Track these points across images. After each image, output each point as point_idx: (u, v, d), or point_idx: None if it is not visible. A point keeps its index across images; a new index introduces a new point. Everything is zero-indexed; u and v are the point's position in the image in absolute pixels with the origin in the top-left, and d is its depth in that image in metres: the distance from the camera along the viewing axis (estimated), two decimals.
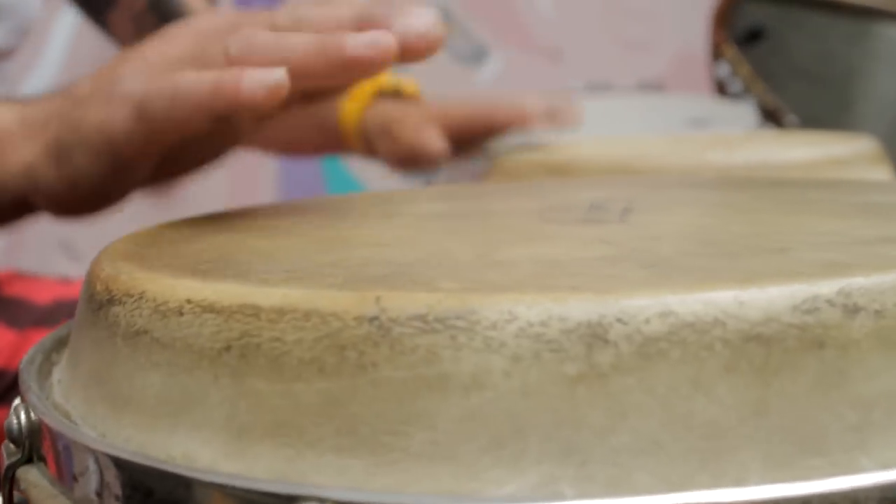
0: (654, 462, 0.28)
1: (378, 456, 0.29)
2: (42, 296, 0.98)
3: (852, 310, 0.29)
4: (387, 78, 1.12)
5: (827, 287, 0.29)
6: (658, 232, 0.41)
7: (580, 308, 0.28)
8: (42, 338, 0.46)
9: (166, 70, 0.56)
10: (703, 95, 1.97)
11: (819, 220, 0.42)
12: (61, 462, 0.36)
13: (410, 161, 1.07)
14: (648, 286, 0.30)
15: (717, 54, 1.92)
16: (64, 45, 2.16)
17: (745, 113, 1.54)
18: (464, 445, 0.28)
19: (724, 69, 1.91)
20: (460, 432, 0.28)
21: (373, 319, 0.29)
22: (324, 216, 0.50)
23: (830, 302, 0.29)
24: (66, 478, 0.35)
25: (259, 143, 1.17)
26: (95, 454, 0.33)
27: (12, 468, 0.38)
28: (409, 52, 0.49)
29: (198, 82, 0.51)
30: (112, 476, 0.32)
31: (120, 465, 0.32)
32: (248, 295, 0.32)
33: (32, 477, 0.37)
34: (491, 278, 0.32)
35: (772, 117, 1.80)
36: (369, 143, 1.10)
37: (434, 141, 1.03)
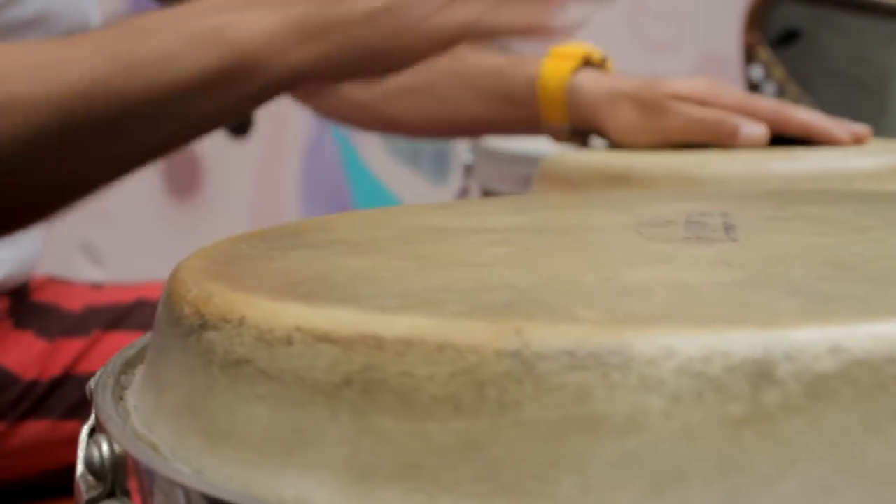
0: None
1: (522, 503, 0.26)
2: (73, 303, 0.96)
3: None
4: (585, 47, 1.03)
5: None
6: (779, 252, 0.38)
7: (744, 343, 0.26)
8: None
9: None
10: None
11: None
12: (150, 499, 0.33)
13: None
14: (813, 318, 0.27)
15: (750, 56, 1.90)
16: None
17: None
18: (619, 492, 0.26)
19: (757, 71, 1.90)
20: (615, 478, 0.26)
21: (515, 354, 0.27)
22: (403, 229, 0.47)
23: None
24: None
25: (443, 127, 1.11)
26: (189, 493, 0.31)
27: (93, 503, 0.36)
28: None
29: (511, 20, 0.67)
30: None
31: None
32: (369, 323, 0.29)
33: None
34: (632, 307, 0.30)
35: None
36: (584, 115, 0.97)
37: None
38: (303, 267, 0.39)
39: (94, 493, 0.35)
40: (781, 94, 1.83)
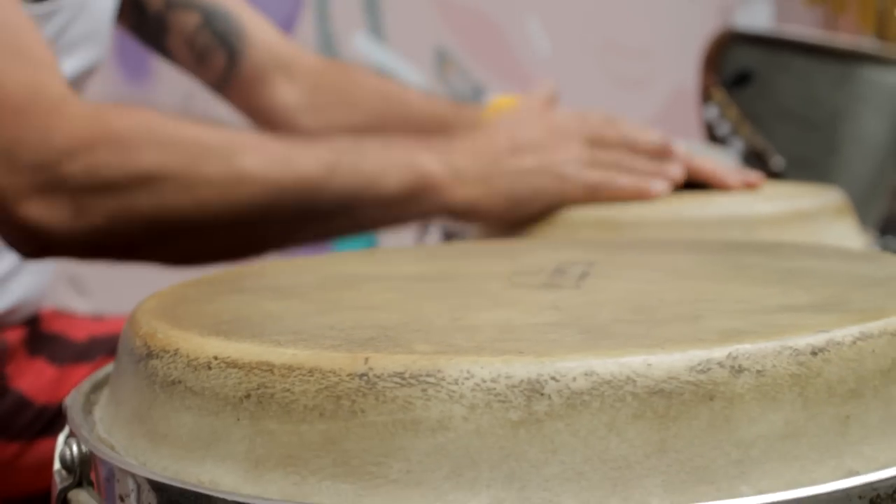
0: (577, 488, 0.36)
1: (365, 482, 0.37)
2: (78, 333, 1.06)
3: (738, 370, 0.37)
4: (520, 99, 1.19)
5: (719, 352, 0.38)
6: (603, 298, 0.49)
7: (523, 368, 0.37)
8: (81, 381, 0.54)
9: (586, 166, 0.92)
10: (687, 139, 2.04)
11: (739, 289, 0.50)
12: (107, 486, 0.44)
13: None
14: (578, 351, 0.38)
15: (706, 97, 1.99)
16: None
17: (725, 157, 1.61)
18: (431, 474, 0.37)
19: (712, 111, 1.96)
20: (428, 464, 0.37)
21: (362, 376, 0.38)
22: (323, 277, 0.58)
23: (721, 364, 0.37)
24: (111, 499, 0.43)
25: None
26: (137, 479, 0.41)
27: (65, 491, 0.46)
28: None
29: (631, 186, 0.91)
30: (152, 497, 0.41)
31: (159, 487, 0.40)
32: (264, 353, 0.40)
33: (83, 498, 0.45)
34: (457, 342, 0.41)
35: (759, 159, 1.86)
36: None
37: None
38: (230, 309, 0.50)
39: (67, 483, 0.46)
40: (735, 133, 1.91)
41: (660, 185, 0.93)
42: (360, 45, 2.56)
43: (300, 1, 2.54)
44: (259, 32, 1.16)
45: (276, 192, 0.80)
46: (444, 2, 2.67)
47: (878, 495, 0.37)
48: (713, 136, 1.94)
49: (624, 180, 0.92)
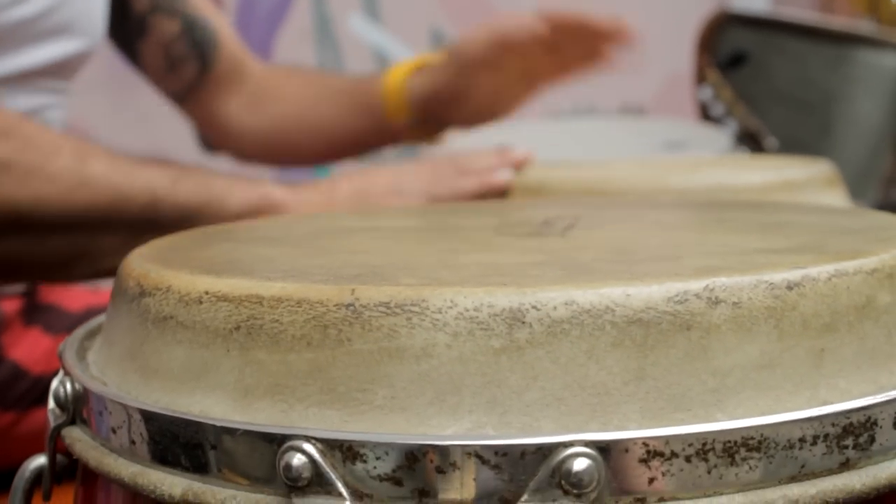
0: (556, 413, 0.37)
1: (351, 408, 0.38)
2: (74, 303, 1.07)
3: (714, 301, 0.38)
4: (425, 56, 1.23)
5: (696, 284, 0.39)
6: (586, 244, 0.50)
7: (505, 298, 0.38)
8: (76, 330, 0.55)
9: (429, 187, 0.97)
10: (682, 119, 2.05)
11: (720, 236, 0.51)
12: (99, 420, 0.45)
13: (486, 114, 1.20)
14: (559, 282, 0.39)
15: (700, 78, 2.00)
16: None
17: (719, 137, 1.62)
18: (415, 399, 0.38)
19: (706, 93, 1.97)
20: (412, 390, 0.38)
21: (349, 305, 0.39)
22: (315, 228, 0.59)
23: (698, 295, 0.38)
24: (104, 432, 0.44)
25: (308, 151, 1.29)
26: (129, 409, 0.42)
27: (58, 429, 0.47)
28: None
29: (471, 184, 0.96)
30: (143, 427, 0.42)
31: (150, 417, 0.41)
32: (253, 287, 0.41)
33: (76, 434, 0.46)
34: (442, 276, 0.42)
35: (753, 140, 1.86)
36: (424, 109, 1.19)
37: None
38: (222, 254, 0.51)
39: (60, 420, 0.47)
40: (729, 114, 1.92)
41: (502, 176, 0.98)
42: (356, 27, 2.57)
43: None
44: (228, 42, 1.20)
45: (118, 198, 0.82)
46: None
47: (851, 423, 0.38)
48: (707, 117, 1.95)
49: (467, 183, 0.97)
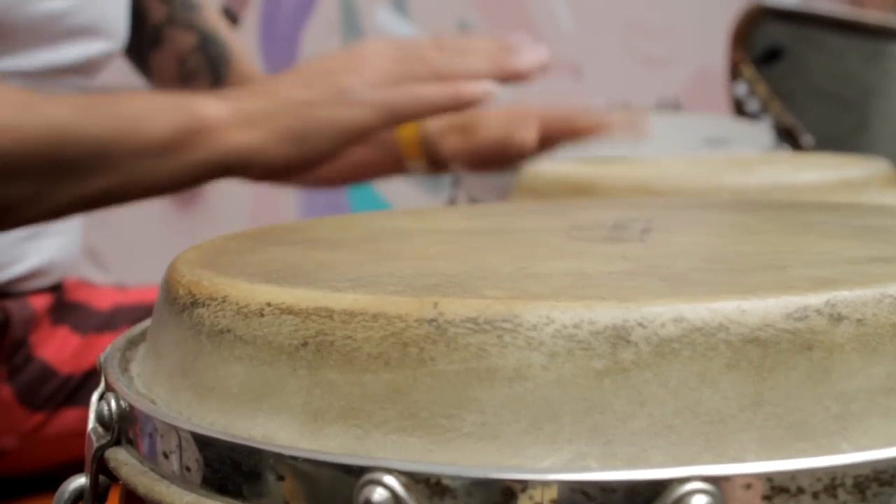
0: (666, 443, 0.33)
1: (435, 435, 0.34)
2: (102, 302, 1.04)
3: (837, 318, 0.35)
4: None
5: (816, 299, 0.35)
6: (672, 250, 0.46)
7: (607, 313, 0.34)
8: (114, 339, 0.51)
9: (390, 83, 0.82)
10: (720, 115, 2.01)
11: (817, 241, 0.47)
12: (149, 443, 0.41)
13: (494, 158, 1.09)
14: (664, 296, 0.35)
15: (735, 74, 1.96)
16: None
17: (761, 133, 1.58)
18: (508, 427, 0.34)
19: (741, 88, 1.94)
20: (505, 416, 0.34)
21: (432, 321, 0.35)
22: (370, 231, 0.55)
23: (819, 311, 0.34)
24: (153, 457, 0.41)
25: (327, 173, 1.21)
26: (182, 433, 0.39)
27: (101, 449, 0.44)
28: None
29: (439, 91, 0.81)
30: (198, 454, 0.38)
31: (206, 442, 0.37)
32: (322, 299, 0.37)
33: (122, 457, 0.42)
34: (530, 288, 0.38)
35: (788, 137, 1.83)
36: (433, 149, 1.12)
37: (529, 133, 1.04)
38: (278, 259, 0.47)
39: (103, 441, 0.43)
40: (764, 110, 1.88)
41: (476, 87, 0.83)
42: (383, 19, 2.53)
43: None
44: (240, 60, 1.16)
45: (18, 140, 0.73)
46: None
47: None
48: (742, 114, 1.91)
49: (432, 88, 0.82)
